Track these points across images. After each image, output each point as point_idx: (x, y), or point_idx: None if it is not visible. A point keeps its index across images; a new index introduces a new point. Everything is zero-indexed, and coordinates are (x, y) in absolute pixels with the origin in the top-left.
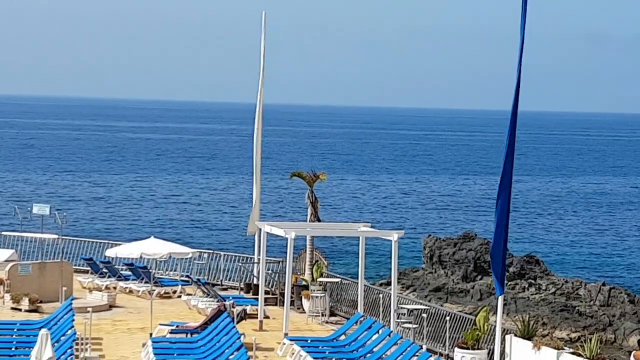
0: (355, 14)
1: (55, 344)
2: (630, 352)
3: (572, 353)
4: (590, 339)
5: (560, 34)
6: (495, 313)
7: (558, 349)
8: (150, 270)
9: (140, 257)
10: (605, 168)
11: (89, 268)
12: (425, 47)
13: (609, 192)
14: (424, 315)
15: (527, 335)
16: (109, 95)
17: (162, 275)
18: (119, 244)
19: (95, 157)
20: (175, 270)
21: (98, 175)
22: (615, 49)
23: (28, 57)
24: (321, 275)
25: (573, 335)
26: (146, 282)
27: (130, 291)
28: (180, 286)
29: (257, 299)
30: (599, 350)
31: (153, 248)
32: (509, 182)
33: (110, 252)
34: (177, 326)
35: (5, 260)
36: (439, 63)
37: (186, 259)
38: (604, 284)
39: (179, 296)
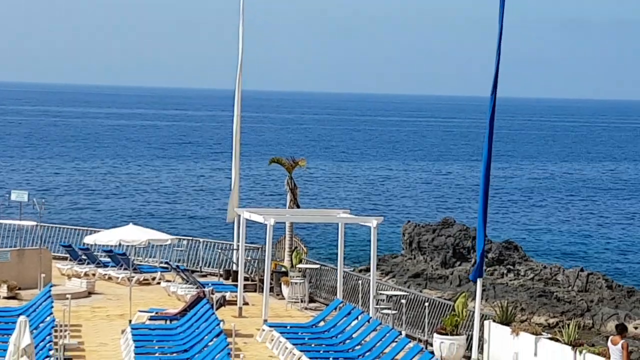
0: (336, 0)
1: (34, 331)
2: (607, 337)
3: (550, 338)
4: (569, 325)
5: (538, 19)
6: (474, 299)
7: (536, 334)
8: (129, 257)
9: (119, 244)
10: (584, 154)
11: (67, 255)
12: (406, 33)
13: (588, 179)
14: (403, 301)
15: (506, 320)
16: (87, 81)
17: (141, 262)
18: (98, 231)
19: (74, 144)
20: (154, 257)
21: (76, 162)
22: (594, 34)
23: (3, 41)
24: (300, 262)
25: (551, 320)
26: (125, 269)
27: (109, 278)
28: (159, 273)
29: (236, 286)
30: (577, 336)
31: (132, 235)
32: (487, 169)
33: (89, 239)
34: (156, 313)
35: None
36: (417, 49)
37: (165, 245)
38: (582, 270)
39: (158, 283)
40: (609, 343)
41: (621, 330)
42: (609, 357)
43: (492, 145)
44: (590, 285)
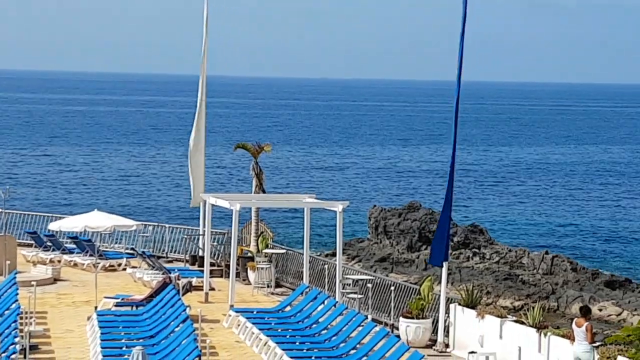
0: None
1: None
2: (572, 320)
3: (515, 321)
4: (534, 307)
5: (504, 1)
6: (439, 283)
7: (501, 317)
8: (95, 244)
9: (84, 230)
10: (550, 138)
11: (32, 242)
12: (371, 17)
13: (553, 162)
14: (369, 285)
15: (471, 304)
16: (49, 67)
17: (107, 248)
18: (63, 217)
19: (38, 130)
20: (120, 243)
21: (41, 149)
22: (561, 17)
23: None
24: (266, 247)
25: (517, 303)
26: (91, 255)
27: (75, 264)
28: (125, 259)
29: (202, 271)
30: (541, 318)
31: (97, 221)
32: (452, 153)
33: (54, 226)
34: (122, 299)
35: None
36: (382, 33)
37: (130, 231)
38: (547, 253)
39: (124, 269)
40: (573, 325)
41: (585, 312)
42: (574, 339)
43: (458, 129)
44: (555, 268)
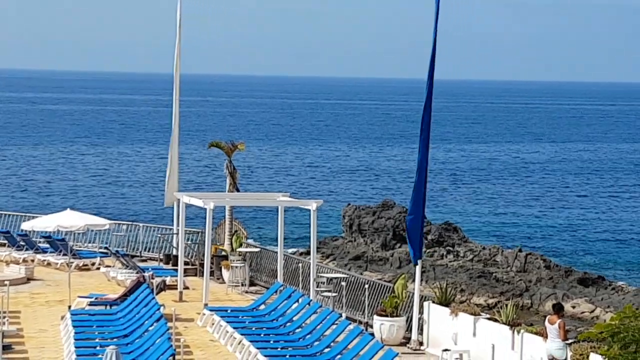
0: None
1: None
2: (545, 317)
3: (489, 319)
4: (507, 305)
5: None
6: (413, 280)
7: (475, 314)
8: (68, 243)
9: (57, 229)
10: (522, 136)
11: (5, 241)
12: (347, 16)
13: (526, 160)
14: (343, 283)
15: (445, 301)
16: (23, 66)
17: (80, 247)
18: (36, 217)
19: (10, 129)
20: (94, 242)
21: (13, 148)
22: (537, 14)
23: None
24: (240, 246)
25: (490, 301)
26: (64, 255)
27: (49, 264)
28: (99, 258)
29: (176, 270)
30: (515, 316)
31: (69, 220)
32: (425, 151)
33: (27, 225)
34: (96, 298)
35: None
36: (357, 31)
37: (104, 230)
38: (520, 250)
39: (98, 268)
40: (546, 322)
41: (558, 309)
42: (547, 337)
43: (430, 127)
44: (529, 265)
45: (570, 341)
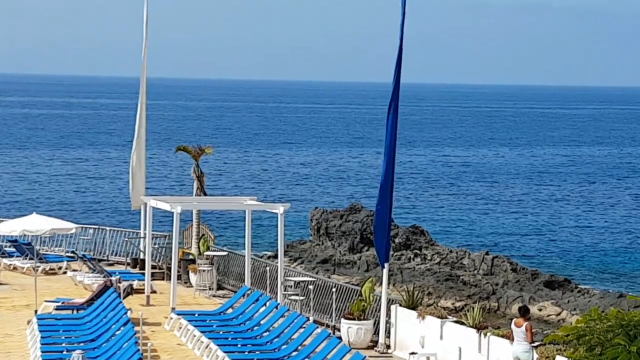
0: None
1: None
2: (512, 320)
3: (456, 322)
4: (474, 308)
5: (443, 1)
6: (381, 284)
7: (442, 317)
8: (35, 247)
9: (23, 234)
10: (488, 140)
11: None
12: (314, 19)
13: (492, 163)
14: (311, 287)
15: (412, 305)
16: None
17: (47, 251)
18: (1, 221)
19: None
20: (60, 247)
21: None
22: (498, 18)
23: None
24: (208, 249)
25: (458, 304)
26: (31, 259)
27: (15, 268)
28: (65, 262)
29: (143, 274)
30: (481, 319)
31: (36, 224)
32: (392, 155)
33: None
34: (62, 302)
35: None
36: (324, 34)
37: (71, 234)
38: (487, 253)
39: (65, 272)
40: (513, 325)
41: (524, 312)
42: (513, 339)
43: (397, 131)
44: (496, 268)
45: (536, 344)
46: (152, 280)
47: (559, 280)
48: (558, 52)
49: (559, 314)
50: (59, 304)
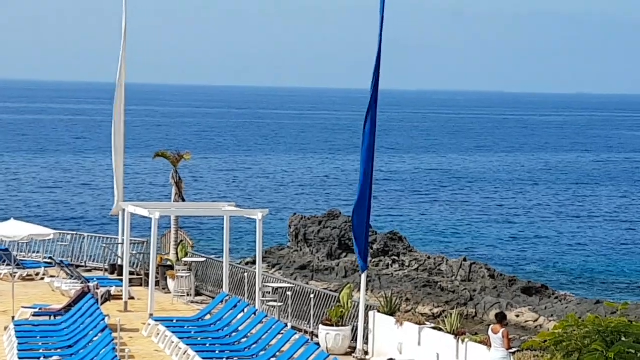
0: None
1: None
2: (489, 326)
3: (434, 328)
4: (452, 314)
5: (423, 8)
6: (359, 290)
7: (420, 324)
8: (12, 253)
9: (1, 240)
10: (467, 146)
11: None
12: (293, 25)
13: (470, 170)
14: (289, 293)
15: (390, 311)
16: None
17: (24, 257)
18: None
19: None
20: (38, 253)
21: None
22: (475, 26)
23: None
24: (186, 255)
25: (436, 310)
26: (8, 265)
27: None
28: (43, 268)
29: (121, 280)
30: (459, 325)
31: (13, 230)
32: (371, 160)
33: None
34: (40, 309)
35: None
36: (302, 40)
37: (49, 240)
38: (465, 260)
39: (42, 278)
40: (490, 332)
41: (501, 318)
42: (491, 346)
43: (375, 137)
44: (473, 274)
45: (513, 350)
46: (130, 286)
47: (537, 286)
48: (536, 59)
49: (536, 320)
50: (37, 310)
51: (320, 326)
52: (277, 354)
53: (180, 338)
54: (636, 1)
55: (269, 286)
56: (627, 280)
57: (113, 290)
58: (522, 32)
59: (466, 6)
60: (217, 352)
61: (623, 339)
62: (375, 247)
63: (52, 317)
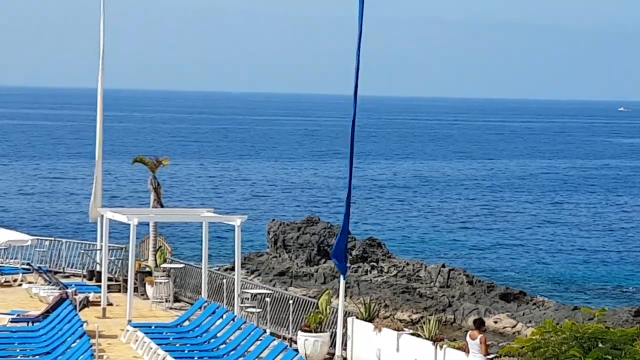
0: None
1: None
2: (467, 332)
3: (412, 334)
4: (430, 320)
5: (400, 17)
6: (337, 296)
7: (398, 330)
8: None
9: None
10: (447, 152)
11: None
12: (273, 31)
13: (450, 176)
14: (268, 299)
15: (369, 317)
16: None
17: (2, 263)
18: None
19: None
20: (16, 259)
21: None
22: (451, 33)
23: None
24: (165, 261)
25: (414, 316)
26: None
27: None
28: (21, 274)
29: (100, 286)
30: (437, 331)
31: None
32: (350, 167)
33: None
34: (18, 315)
35: None
36: (282, 46)
37: (26, 246)
38: (443, 266)
39: (20, 284)
40: (468, 338)
41: (479, 325)
42: (469, 352)
43: (354, 143)
44: (452, 281)
45: (491, 356)
46: (108, 292)
47: (515, 292)
48: (513, 66)
49: (514, 327)
50: (14, 316)
51: (299, 332)
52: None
53: (158, 344)
54: (606, 12)
55: (247, 292)
56: (604, 287)
57: (91, 296)
58: (501, 40)
59: (446, 14)
60: (195, 358)
61: (600, 345)
62: (354, 253)
63: (30, 324)
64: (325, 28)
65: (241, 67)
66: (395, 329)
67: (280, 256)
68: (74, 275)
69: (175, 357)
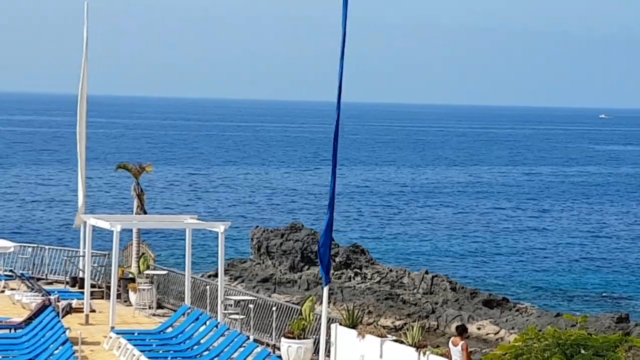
0: (187, 3)
1: None
2: (450, 339)
3: (395, 340)
4: (413, 327)
5: (389, 23)
6: (321, 303)
7: (382, 336)
8: None
9: None
10: (429, 159)
11: None
12: (253, 37)
13: (434, 183)
14: (251, 306)
15: (352, 324)
16: None
17: None
18: None
19: None
20: None
21: None
22: (442, 39)
23: None
24: (148, 268)
25: (398, 323)
26: None
27: None
28: (3, 281)
29: (83, 293)
30: (421, 337)
31: None
32: (333, 173)
33: None
34: (0, 321)
35: None
36: (263, 53)
37: (8, 253)
38: (427, 272)
39: (2, 291)
40: (450, 344)
41: (461, 331)
42: (451, 358)
43: (337, 150)
44: (435, 287)
45: None
46: (91, 299)
47: (498, 299)
48: (496, 74)
49: (497, 333)
50: None
51: (282, 339)
52: None
53: (141, 351)
54: (585, 19)
55: (231, 299)
56: (587, 293)
57: (74, 303)
58: (490, 46)
59: (433, 20)
60: None
61: (582, 351)
62: (337, 259)
63: (13, 330)
64: (313, 33)
65: (225, 74)
66: (378, 336)
67: (263, 262)
68: (57, 281)
69: None
